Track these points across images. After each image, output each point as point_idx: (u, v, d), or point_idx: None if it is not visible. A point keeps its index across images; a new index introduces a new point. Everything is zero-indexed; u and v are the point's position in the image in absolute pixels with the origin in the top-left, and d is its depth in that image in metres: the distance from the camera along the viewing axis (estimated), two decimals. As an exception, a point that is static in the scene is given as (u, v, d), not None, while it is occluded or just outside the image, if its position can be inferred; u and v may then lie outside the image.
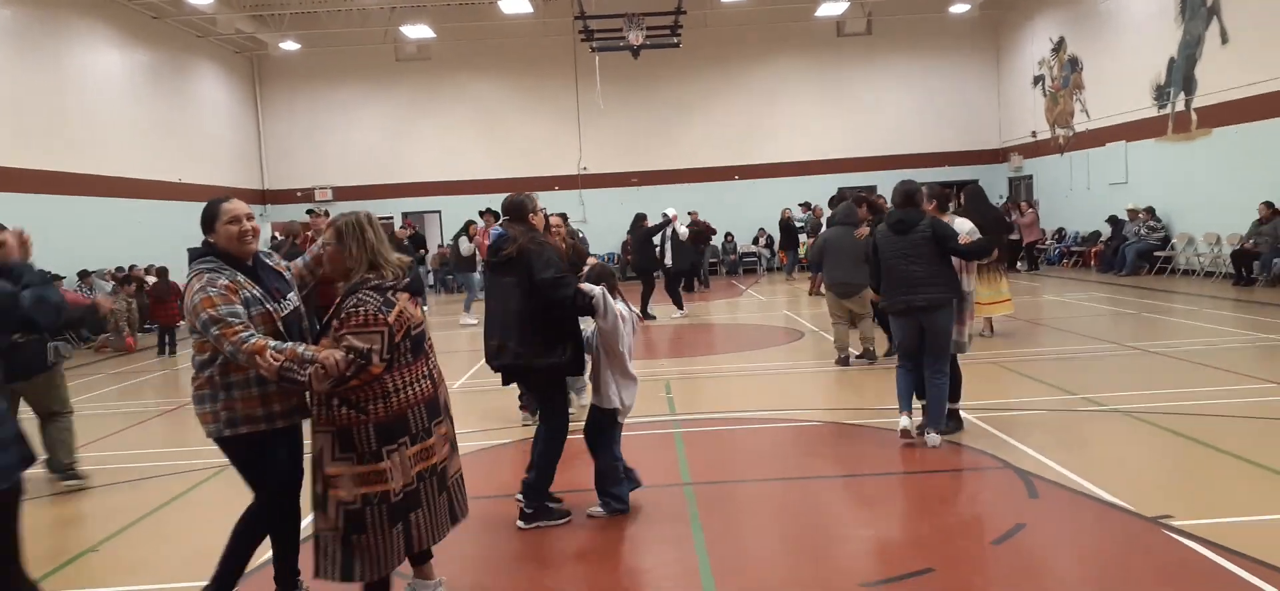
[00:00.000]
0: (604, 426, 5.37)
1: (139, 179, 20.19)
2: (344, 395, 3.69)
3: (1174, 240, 18.75)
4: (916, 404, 6.85)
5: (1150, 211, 19.08)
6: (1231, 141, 16.92)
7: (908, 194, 6.67)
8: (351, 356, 3.61)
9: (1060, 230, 23.41)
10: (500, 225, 5.32)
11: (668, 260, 16.57)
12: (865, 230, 9.57)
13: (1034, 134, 24.67)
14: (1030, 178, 25.36)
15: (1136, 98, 19.61)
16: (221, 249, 3.82)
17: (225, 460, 4.04)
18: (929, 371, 6.62)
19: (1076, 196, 22.60)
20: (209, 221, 3.84)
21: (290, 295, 3.98)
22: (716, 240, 26.11)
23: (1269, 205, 15.82)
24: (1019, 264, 22.27)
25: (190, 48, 23.31)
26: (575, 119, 26.54)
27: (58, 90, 17.94)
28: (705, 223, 22.51)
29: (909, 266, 6.50)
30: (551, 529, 5.24)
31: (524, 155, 26.17)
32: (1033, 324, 13.02)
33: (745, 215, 26.58)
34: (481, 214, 15.74)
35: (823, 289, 17.97)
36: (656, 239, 16.42)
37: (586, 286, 5.12)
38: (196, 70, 23.84)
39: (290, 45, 24.91)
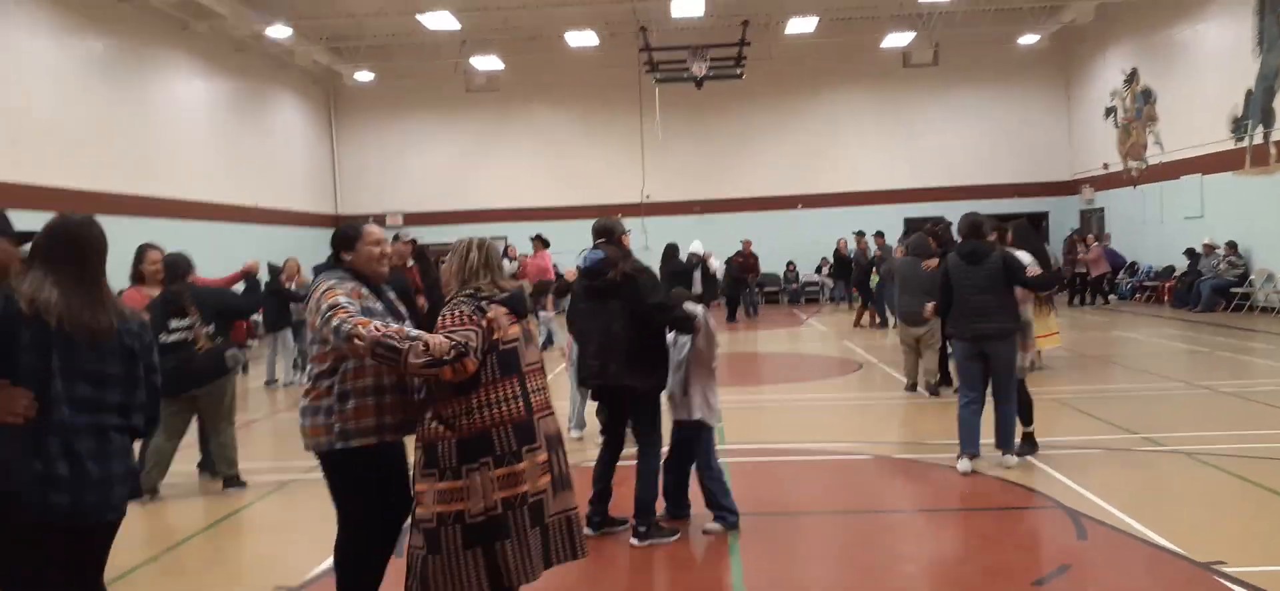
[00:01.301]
0: (692, 441, 5.58)
1: (220, 203, 20.94)
2: (436, 410, 3.74)
3: (1252, 276, 18.14)
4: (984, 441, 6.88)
5: (1232, 246, 18.49)
6: (1313, 176, 16.35)
7: (975, 225, 6.93)
8: (452, 344, 3.64)
9: (1133, 264, 22.81)
10: (596, 247, 5.55)
11: (696, 289, 16.71)
12: (935, 262, 9.64)
13: (1105, 166, 24.12)
14: (1102, 210, 24.77)
15: (1212, 130, 19.06)
16: (357, 267, 4.03)
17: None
18: (997, 400, 6.82)
19: (1150, 230, 22.01)
20: (349, 242, 4.07)
21: (406, 322, 4.08)
22: (778, 269, 26.10)
23: (1353, 242, 15.24)
24: (1079, 298, 21.71)
25: (270, 78, 24.15)
26: (639, 148, 26.77)
27: (144, 117, 18.74)
28: (752, 256, 22.51)
29: (979, 296, 6.72)
30: (611, 542, 5.38)
31: (588, 183, 26.46)
32: (1098, 359, 12.72)
33: (807, 244, 26.45)
34: (532, 239, 15.97)
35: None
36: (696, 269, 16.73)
37: (690, 307, 5.44)
38: (275, 99, 24.68)
39: (365, 75, 25.65)
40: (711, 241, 21.03)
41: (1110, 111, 23.74)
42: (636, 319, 5.29)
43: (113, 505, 3.09)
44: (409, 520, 3.90)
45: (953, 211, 24.71)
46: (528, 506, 3.74)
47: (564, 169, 26.95)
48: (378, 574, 4.06)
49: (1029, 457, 7.09)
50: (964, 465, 6.78)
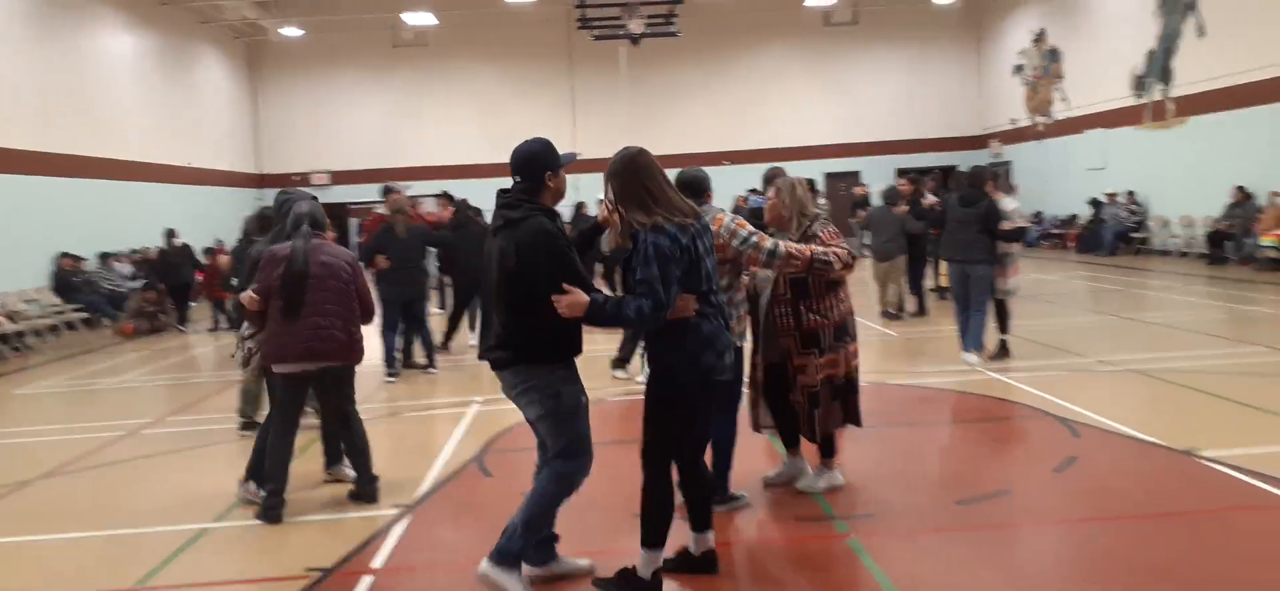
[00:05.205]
0: None
1: (147, 162, 20.50)
2: (810, 305, 5.01)
3: (1150, 222, 19.82)
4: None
5: (1130, 195, 20.16)
6: (1206, 129, 17.97)
7: (979, 178, 8.63)
8: (847, 250, 4.93)
9: (1038, 213, 24.47)
10: (755, 191, 6.29)
11: (604, 247, 16.92)
12: (903, 207, 11.40)
13: (1014, 121, 25.70)
14: (1009, 163, 26.40)
15: (1115, 87, 20.64)
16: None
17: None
18: (973, 309, 8.52)
19: (1055, 181, 23.64)
20: (705, 188, 4.86)
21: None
22: (708, 223, 26.86)
23: (1241, 189, 16.88)
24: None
25: (193, 33, 23.57)
26: (570, 105, 27.15)
27: (74, 74, 18.21)
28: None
29: (965, 231, 8.39)
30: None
31: (518, 140, 26.44)
32: (1033, 298, 13.92)
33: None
34: (438, 197, 14.87)
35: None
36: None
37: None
38: (199, 55, 24.09)
39: (292, 31, 25.21)
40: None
41: (1018, 69, 25.27)
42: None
43: (729, 365, 4.08)
44: None
45: (870, 166, 26.05)
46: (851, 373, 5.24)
47: (494, 125, 27.00)
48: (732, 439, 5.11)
49: (1001, 375, 8.05)
50: (970, 358, 8.55)
